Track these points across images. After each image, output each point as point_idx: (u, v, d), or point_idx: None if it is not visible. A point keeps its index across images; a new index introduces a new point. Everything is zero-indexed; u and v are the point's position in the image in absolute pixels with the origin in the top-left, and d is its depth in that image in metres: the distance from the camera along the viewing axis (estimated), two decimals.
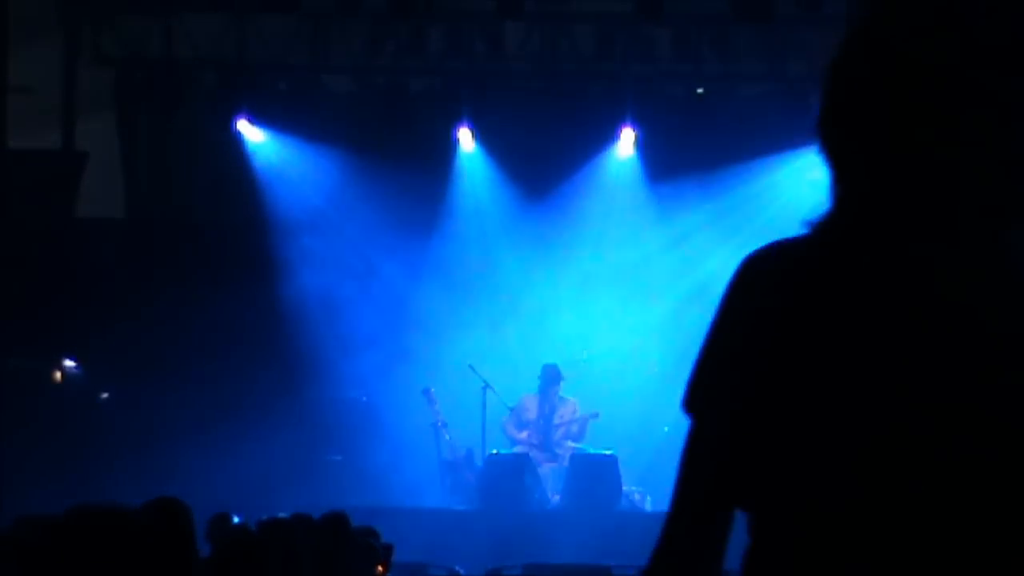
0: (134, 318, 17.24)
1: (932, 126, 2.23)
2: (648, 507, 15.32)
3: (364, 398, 16.92)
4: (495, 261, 17.28)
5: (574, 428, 15.98)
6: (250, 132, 17.32)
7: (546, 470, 15.52)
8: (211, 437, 16.21)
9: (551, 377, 16.06)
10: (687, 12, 17.25)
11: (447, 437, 15.82)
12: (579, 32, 17.43)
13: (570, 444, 15.83)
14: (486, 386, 15.90)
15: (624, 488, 14.86)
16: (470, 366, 16.04)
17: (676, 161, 17.10)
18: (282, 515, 7.41)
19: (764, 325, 2.31)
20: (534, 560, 12.77)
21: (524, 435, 16.04)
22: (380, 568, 8.66)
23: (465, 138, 17.42)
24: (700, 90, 17.56)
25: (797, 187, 17.46)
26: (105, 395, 17.40)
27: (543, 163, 17.22)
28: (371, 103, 17.64)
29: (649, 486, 15.66)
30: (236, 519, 8.74)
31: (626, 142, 17.34)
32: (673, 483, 2.36)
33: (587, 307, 17.32)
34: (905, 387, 2.19)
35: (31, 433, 16.33)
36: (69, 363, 17.19)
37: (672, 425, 16.70)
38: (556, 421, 16.00)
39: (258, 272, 17.18)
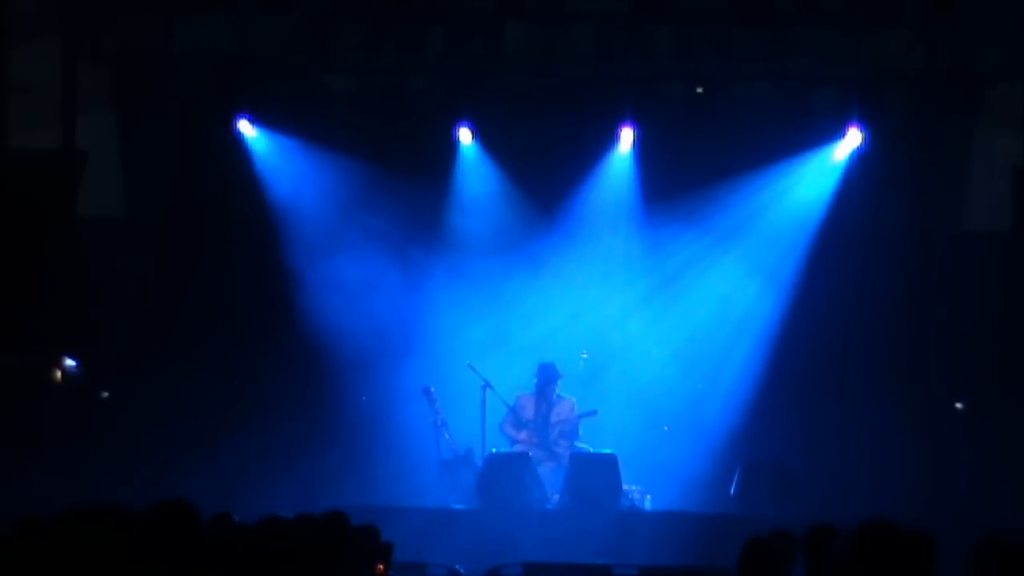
0: (134, 318, 17.25)
1: None
2: (648, 506, 15.33)
3: (364, 398, 16.94)
4: (495, 260, 17.29)
5: (568, 427, 15.98)
6: (250, 132, 17.32)
7: (546, 469, 15.52)
8: (211, 436, 16.24)
9: (548, 376, 16.05)
10: (687, 11, 17.26)
11: (447, 436, 15.82)
12: (579, 32, 17.42)
13: (568, 443, 15.83)
14: (486, 385, 15.91)
15: (624, 487, 14.86)
16: (470, 366, 16.05)
17: (676, 160, 17.11)
18: (282, 514, 7.40)
19: None
20: (534, 559, 12.76)
21: (523, 435, 16.04)
22: (380, 567, 8.66)
23: (465, 137, 17.43)
24: (700, 89, 17.56)
25: (795, 192, 17.49)
26: (105, 395, 17.40)
27: (543, 162, 17.22)
28: (371, 103, 17.63)
29: (649, 485, 15.66)
30: (235, 518, 8.73)
31: (626, 142, 17.34)
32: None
33: (587, 306, 17.33)
34: None
35: (31, 433, 16.34)
36: (69, 363, 17.20)
37: (672, 424, 16.74)
38: (554, 420, 16.00)
39: (258, 271, 17.19)
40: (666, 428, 16.74)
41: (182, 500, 6.18)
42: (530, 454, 15.37)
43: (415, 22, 17.30)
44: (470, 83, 17.52)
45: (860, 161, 17.21)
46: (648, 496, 15.47)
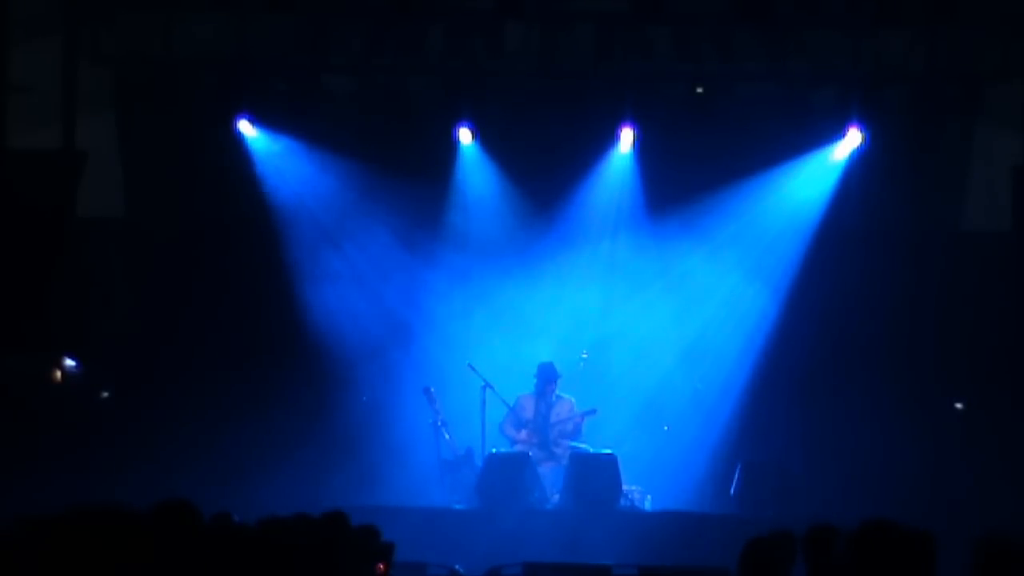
0: (134, 318, 17.25)
1: None
2: (648, 506, 15.33)
3: (364, 398, 16.94)
4: (495, 260, 17.29)
5: (569, 426, 15.98)
6: (250, 132, 17.31)
7: (545, 469, 15.53)
8: (210, 436, 16.24)
9: (547, 376, 16.06)
10: (687, 12, 17.26)
11: (447, 436, 15.83)
12: (579, 32, 17.42)
13: (568, 443, 15.84)
14: (486, 385, 15.91)
15: (624, 487, 14.86)
16: (470, 366, 16.05)
17: (676, 161, 17.11)
18: (282, 514, 7.41)
19: None
20: (534, 559, 12.77)
21: (523, 435, 16.05)
22: (381, 567, 8.67)
23: (465, 138, 17.43)
24: (700, 89, 17.56)
25: (795, 192, 17.49)
26: (105, 395, 17.40)
27: (543, 162, 17.22)
28: (371, 103, 17.63)
29: (649, 485, 15.67)
30: (235, 518, 8.73)
31: (626, 142, 17.34)
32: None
33: (587, 307, 17.33)
34: None
35: (31, 433, 16.34)
36: (69, 363, 17.20)
37: (672, 424, 16.75)
38: (553, 420, 16.01)
39: (257, 272, 17.19)
40: (666, 428, 16.74)
41: (183, 500, 6.19)
42: (530, 454, 15.38)
43: (415, 22, 17.29)
44: (470, 83, 17.51)
45: (860, 161, 17.21)
46: (648, 496, 15.47)
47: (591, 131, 17.26)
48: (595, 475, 14.75)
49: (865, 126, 17.07)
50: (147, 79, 17.45)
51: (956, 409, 17.31)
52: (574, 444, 15.81)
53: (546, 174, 17.22)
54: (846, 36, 17.30)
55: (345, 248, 17.30)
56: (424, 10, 17.29)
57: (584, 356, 16.65)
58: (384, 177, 17.00)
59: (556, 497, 15.04)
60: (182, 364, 16.82)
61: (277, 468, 15.80)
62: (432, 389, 16.08)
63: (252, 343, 16.89)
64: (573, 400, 16.13)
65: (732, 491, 14.94)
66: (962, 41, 17.24)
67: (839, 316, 17.07)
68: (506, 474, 14.78)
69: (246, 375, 16.71)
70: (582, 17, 17.39)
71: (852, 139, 17.14)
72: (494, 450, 15.43)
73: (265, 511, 7.56)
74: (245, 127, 17.28)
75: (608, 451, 15.11)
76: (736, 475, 14.99)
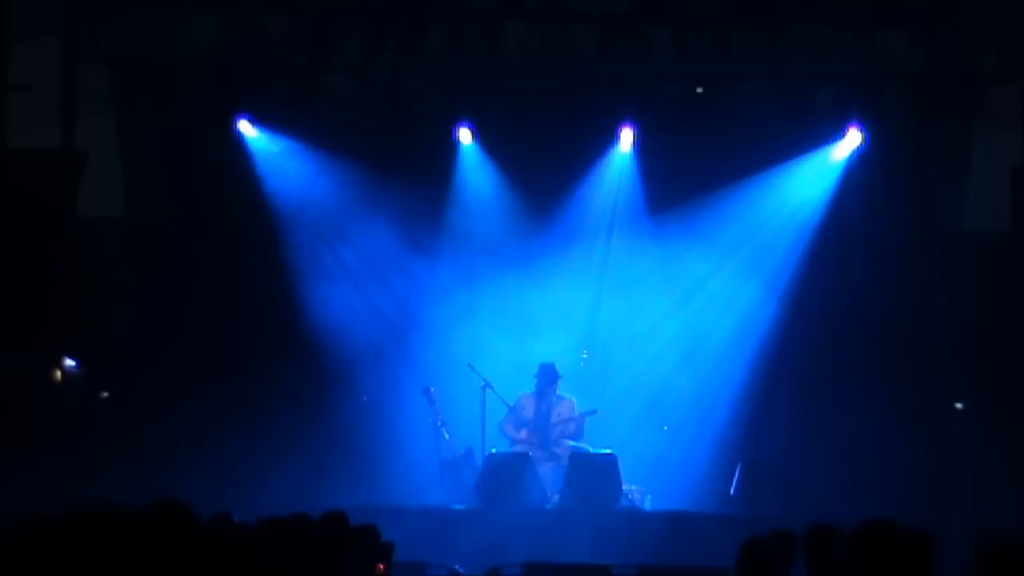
0: (134, 318, 17.25)
1: None
2: (648, 506, 15.33)
3: (364, 398, 16.94)
4: (495, 260, 17.29)
5: (571, 427, 15.99)
6: (250, 132, 17.31)
7: (545, 469, 15.53)
8: (211, 436, 16.24)
9: (548, 376, 16.06)
10: (687, 12, 17.26)
11: (447, 436, 15.83)
12: (579, 32, 17.42)
13: (568, 443, 15.84)
14: (486, 385, 15.91)
15: (624, 487, 14.86)
16: (470, 365, 16.05)
17: (676, 161, 17.11)
18: (282, 515, 7.41)
19: None
20: (533, 559, 12.76)
21: (523, 435, 16.05)
22: (381, 567, 8.66)
23: (465, 137, 17.43)
24: (700, 89, 17.56)
25: (795, 193, 17.49)
26: (105, 395, 17.40)
27: (543, 162, 17.22)
28: (371, 103, 17.63)
29: (649, 485, 15.67)
30: (235, 518, 8.73)
31: (626, 142, 17.35)
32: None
33: (588, 306, 17.32)
34: None
35: (31, 433, 16.34)
36: (69, 363, 17.20)
37: (672, 424, 16.75)
38: (553, 420, 16.01)
39: (257, 272, 17.19)
40: (666, 428, 16.74)
41: (175, 499, 6.18)
42: (530, 454, 15.38)
43: (415, 22, 17.29)
44: (470, 83, 17.51)
45: (860, 161, 17.21)
46: (648, 496, 15.48)
47: (591, 131, 17.26)
48: (595, 475, 14.75)
49: (865, 126, 17.07)
50: (147, 79, 17.44)
51: (956, 409, 17.30)
52: (574, 444, 15.81)
53: (546, 174, 17.22)
54: (846, 36, 17.30)
55: (345, 248, 17.30)
56: (424, 10, 17.29)
57: (584, 356, 16.66)
58: (384, 177, 16.99)
59: (556, 497, 15.04)
60: (182, 364, 16.81)
61: (277, 468, 15.80)
62: (432, 389, 16.09)
63: (252, 343, 16.89)
64: (574, 400, 16.13)
65: (732, 491, 14.94)
66: (962, 41, 17.24)
67: (839, 316, 17.06)
68: (506, 474, 14.78)
69: (246, 375, 16.70)
70: (582, 17, 17.39)
71: (852, 139, 17.14)
72: (494, 450, 15.44)
73: (265, 511, 7.56)
74: (245, 127, 17.27)
75: (608, 451, 15.11)
76: (736, 475, 14.99)
